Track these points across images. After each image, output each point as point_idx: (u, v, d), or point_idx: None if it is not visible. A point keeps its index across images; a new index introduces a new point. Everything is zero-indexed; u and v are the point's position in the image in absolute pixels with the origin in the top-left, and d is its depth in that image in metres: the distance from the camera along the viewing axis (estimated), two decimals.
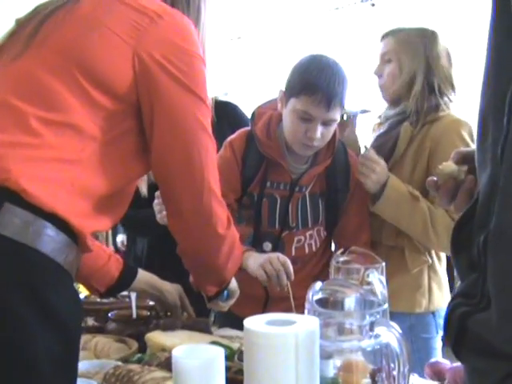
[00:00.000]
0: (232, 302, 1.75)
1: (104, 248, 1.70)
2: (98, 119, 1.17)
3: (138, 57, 1.19)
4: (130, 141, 1.25)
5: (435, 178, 1.03)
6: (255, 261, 1.91)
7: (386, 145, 2.10)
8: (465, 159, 1.00)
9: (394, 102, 2.16)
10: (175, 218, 1.39)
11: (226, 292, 1.68)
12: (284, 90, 1.98)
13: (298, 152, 2.00)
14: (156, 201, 2.09)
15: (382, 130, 2.19)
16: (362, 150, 2.14)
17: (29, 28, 1.23)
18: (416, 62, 2.09)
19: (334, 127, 1.96)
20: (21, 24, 1.27)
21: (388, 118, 2.19)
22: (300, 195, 2.05)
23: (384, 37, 2.18)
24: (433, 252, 2.14)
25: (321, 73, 1.88)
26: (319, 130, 1.91)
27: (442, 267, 2.20)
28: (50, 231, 1.10)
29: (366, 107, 2.26)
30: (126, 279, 1.73)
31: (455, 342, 0.76)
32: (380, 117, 2.26)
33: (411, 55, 2.09)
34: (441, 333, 2.18)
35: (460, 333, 0.74)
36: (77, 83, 1.16)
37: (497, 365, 0.69)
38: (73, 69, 1.16)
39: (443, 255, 2.18)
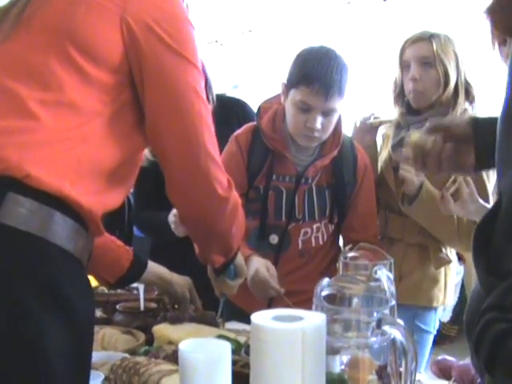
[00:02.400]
0: (240, 281, 1.73)
1: (114, 239, 1.70)
2: (96, 94, 1.16)
3: (125, 24, 1.16)
4: (130, 112, 1.23)
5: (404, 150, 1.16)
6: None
7: None
8: (435, 129, 1.14)
9: (428, 107, 2.15)
10: (175, 184, 1.35)
11: (232, 268, 1.66)
12: (285, 82, 1.99)
13: (300, 143, 2.01)
14: (171, 218, 2.09)
15: (403, 135, 2.18)
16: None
17: (15, 8, 1.20)
18: (455, 68, 2.11)
19: (335, 118, 1.97)
20: (6, 6, 1.23)
21: (410, 124, 2.18)
22: (306, 187, 2.05)
23: (419, 40, 2.15)
24: (449, 250, 2.19)
25: (318, 63, 1.90)
26: (319, 120, 1.92)
27: (454, 262, 2.27)
28: (58, 218, 1.09)
29: (386, 118, 2.25)
30: (136, 271, 1.73)
31: (489, 359, 0.73)
32: (394, 123, 2.25)
33: (454, 62, 2.11)
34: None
35: (497, 351, 0.71)
36: (69, 59, 1.14)
37: None
38: (64, 44, 1.14)
39: (453, 252, 2.22)
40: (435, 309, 2.23)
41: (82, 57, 1.14)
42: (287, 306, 1.83)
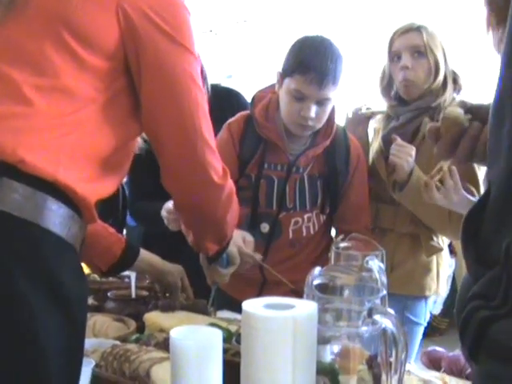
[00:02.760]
0: (233, 269, 1.73)
1: (107, 227, 1.70)
2: (91, 80, 1.15)
3: (122, 10, 1.16)
4: (125, 99, 1.22)
5: (438, 125, 0.98)
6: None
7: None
8: (469, 111, 0.96)
9: (418, 98, 2.16)
10: (170, 171, 1.35)
11: (225, 256, 1.67)
12: (280, 71, 2.00)
13: (294, 132, 2.02)
14: (164, 213, 2.07)
15: (393, 125, 2.20)
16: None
17: None
18: (443, 58, 2.13)
19: (329, 107, 1.97)
20: None
21: (400, 114, 2.20)
22: (298, 176, 2.06)
23: (409, 30, 2.16)
24: (440, 238, 2.19)
25: (313, 52, 1.90)
26: (313, 109, 1.92)
27: (446, 253, 2.29)
28: (51, 204, 1.09)
29: (378, 108, 2.25)
30: (127, 259, 1.73)
31: (473, 346, 0.73)
32: (384, 114, 2.26)
33: (441, 52, 2.13)
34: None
35: (480, 338, 0.71)
36: (64, 45, 1.13)
37: None
38: (59, 30, 1.13)
39: (446, 242, 2.23)
40: (426, 300, 2.25)
41: (78, 43, 1.14)
42: (275, 279, 1.83)
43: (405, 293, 2.18)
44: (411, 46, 2.13)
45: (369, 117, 2.26)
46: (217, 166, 1.36)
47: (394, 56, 2.18)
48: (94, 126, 1.16)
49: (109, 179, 1.22)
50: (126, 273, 1.92)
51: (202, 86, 2.10)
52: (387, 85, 2.24)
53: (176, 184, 1.37)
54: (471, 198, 1.97)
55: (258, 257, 1.90)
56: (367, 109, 2.25)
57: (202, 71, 2.40)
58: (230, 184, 1.43)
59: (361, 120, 2.25)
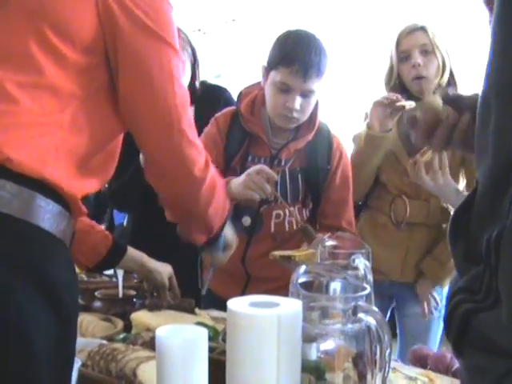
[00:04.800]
0: (230, 252, 1.73)
1: (93, 224, 1.70)
2: (73, 76, 1.14)
3: (102, 2, 1.15)
4: (108, 94, 1.21)
5: (416, 112, 1.02)
6: (236, 185, 1.93)
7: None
8: (448, 100, 0.99)
9: (431, 92, 2.21)
10: (150, 164, 1.35)
11: (221, 242, 1.65)
12: (265, 64, 2.02)
13: (279, 125, 2.04)
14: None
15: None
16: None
17: None
18: (448, 56, 2.23)
19: (313, 99, 2.00)
20: None
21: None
22: (279, 169, 2.07)
23: (414, 30, 2.24)
24: None
25: (297, 44, 1.94)
26: (298, 100, 1.95)
27: None
28: (39, 201, 1.08)
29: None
30: (114, 257, 1.73)
31: (457, 338, 0.73)
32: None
33: (446, 50, 2.23)
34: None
35: (463, 330, 0.72)
36: (46, 41, 1.12)
37: (498, 362, 0.67)
38: (40, 25, 1.12)
39: None
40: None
41: (58, 38, 1.13)
42: (267, 289, 1.83)
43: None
44: (419, 45, 2.22)
45: (401, 109, 2.21)
46: (197, 158, 1.34)
47: (403, 56, 2.25)
48: (75, 124, 1.15)
49: (93, 178, 1.22)
50: (111, 271, 1.91)
51: (194, 79, 2.09)
52: (395, 85, 2.26)
53: (157, 177, 1.37)
54: (456, 185, 2.01)
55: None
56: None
57: (196, 62, 2.41)
58: (212, 177, 1.41)
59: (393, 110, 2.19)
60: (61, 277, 1.10)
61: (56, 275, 1.08)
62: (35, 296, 1.05)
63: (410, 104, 2.15)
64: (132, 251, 1.80)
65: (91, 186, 1.22)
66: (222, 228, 1.59)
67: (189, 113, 1.30)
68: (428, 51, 2.21)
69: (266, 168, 1.92)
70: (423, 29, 2.22)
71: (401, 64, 2.26)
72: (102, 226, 2.04)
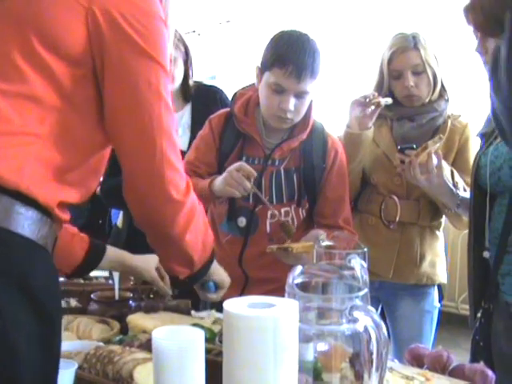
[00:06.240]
0: (222, 292, 1.68)
1: (68, 227, 1.63)
2: (57, 87, 1.12)
3: (91, 15, 1.12)
4: (92, 109, 1.19)
5: None
6: (219, 183, 1.95)
7: (422, 138, 2.18)
8: None
9: (421, 106, 2.30)
10: (129, 184, 1.30)
11: (211, 284, 1.62)
12: (259, 65, 2.02)
13: (273, 126, 2.04)
14: None
15: (411, 125, 2.31)
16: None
17: None
18: (438, 67, 2.28)
19: (307, 100, 2.00)
20: None
21: (412, 114, 2.32)
22: (274, 169, 2.07)
23: (406, 49, 2.25)
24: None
25: (291, 45, 1.94)
26: (292, 101, 1.95)
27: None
28: (19, 208, 1.07)
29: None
30: (92, 259, 1.70)
31: None
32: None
33: (436, 61, 2.27)
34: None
35: None
36: (32, 51, 1.10)
37: None
38: (27, 34, 1.10)
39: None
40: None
41: (44, 48, 1.11)
42: (266, 291, 1.82)
43: (429, 282, 2.34)
44: (412, 66, 2.25)
45: (378, 106, 2.22)
46: (177, 181, 1.30)
47: (395, 74, 2.28)
48: (56, 136, 1.13)
49: (73, 188, 1.19)
50: (103, 273, 1.89)
51: (187, 76, 2.03)
52: (385, 95, 2.28)
53: (134, 197, 1.31)
54: (452, 187, 2.01)
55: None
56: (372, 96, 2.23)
57: (189, 67, 2.40)
58: (192, 202, 1.37)
59: (370, 113, 2.23)
60: (42, 282, 1.08)
61: (38, 280, 1.07)
62: (17, 301, 1.04)
63: (385, 101, 2.19)
64: (111, 250, 1.76)
65: (70, 196, 1.19)
66: (205, 266, 1.52)
67: (173, 134, 1.26)
68: (419, 71, 2.24)
69: (246, 165, 1.93)
70: (416, 47, 2.24)
71: (392, 80, 2.30)
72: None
